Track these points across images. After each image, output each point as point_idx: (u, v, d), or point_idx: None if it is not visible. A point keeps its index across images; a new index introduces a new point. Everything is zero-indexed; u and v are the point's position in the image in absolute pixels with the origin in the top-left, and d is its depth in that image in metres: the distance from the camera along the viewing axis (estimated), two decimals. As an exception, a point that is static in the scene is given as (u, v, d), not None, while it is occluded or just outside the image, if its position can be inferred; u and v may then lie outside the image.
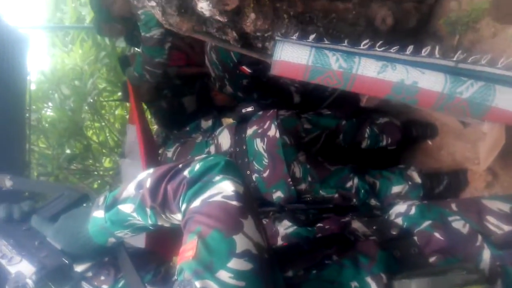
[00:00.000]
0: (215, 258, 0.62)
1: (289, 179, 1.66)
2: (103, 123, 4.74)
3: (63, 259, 0.81)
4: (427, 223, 0.84)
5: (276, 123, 1.75)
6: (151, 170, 0.80)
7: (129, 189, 0.80)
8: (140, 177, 0.80)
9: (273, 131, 1.74)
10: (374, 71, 1.60)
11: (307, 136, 1.89)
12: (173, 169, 0.76)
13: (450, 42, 1.92)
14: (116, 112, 4.95)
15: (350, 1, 1.81)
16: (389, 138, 2.06)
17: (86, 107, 4.26)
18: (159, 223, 0.78)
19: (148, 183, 0.77)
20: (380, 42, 1.60)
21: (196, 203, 0.69)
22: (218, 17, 1.47)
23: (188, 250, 0.64)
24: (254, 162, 1.74)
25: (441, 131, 2.05)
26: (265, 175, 1.70)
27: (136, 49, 3.37)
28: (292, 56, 1.63)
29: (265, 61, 1.73)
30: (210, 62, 2.24)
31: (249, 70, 2.15)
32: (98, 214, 0.82)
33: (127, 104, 3.56)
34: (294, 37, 1.62)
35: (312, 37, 1.61)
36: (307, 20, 1.65)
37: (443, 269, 0.74)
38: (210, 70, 2.32)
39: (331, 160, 1.89)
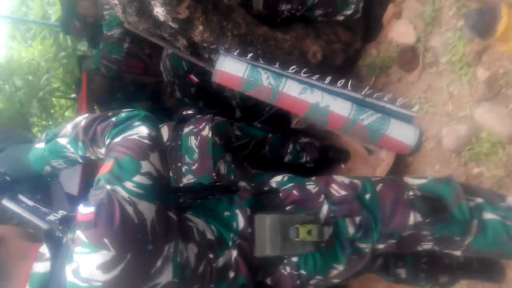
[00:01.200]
0: (124, 173, 0.83)
1: (214, 174, 1.89)
2: (50, 122, 4.74)
3: (6, 176, 1.00)
4: (290, 185, 1.11)
5: (210, 125, 1.99)
6: (86, 115, 1.01)
7: (67, 127, 1.00)
8: (77, 119, 1.00)
9: (207, 131, 1.98)
10: (296, 92, 1.91)
11: (237, 141, 2.14)
12: (103, 115, 0.98)
13: (368, 82, 2.29)
14: (66, 114, 4.97)
15: (289, 33, 2.13)
16: (308, 156, 2.36)
17: (37, 104, 4.29)
18: (87, 155, 0.98)
19: (82, 123, 0.98)
20: (305, 69, 1.92)
21: (117, 139, 0.91)
22: (171, 23, 1.72)
23: (105, 167, 0.85)
24: (186, 156, 1.96)
25: (352, 156, 2.38)
26: (194, 167, 1.92)
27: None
28: (231, 68, 1.91)
29: (210, 71, 1.99)
30: (164, 68, 2.47)
31: (196, 80, 2.41)
32: (39, 145, 1.02)
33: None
34: (235, 53, 1.91)
35: (250, 55, 1.91)
36: (248, 41, 1.94)
37: (292, 212, 1.01)
38: (164, 75, 2.55)
39: (255, 166, 2.16)
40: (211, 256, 0.91)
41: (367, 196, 1.09)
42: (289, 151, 2.34)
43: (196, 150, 1.94)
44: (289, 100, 1.92)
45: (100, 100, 3.22)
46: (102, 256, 0.74)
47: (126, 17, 1.73)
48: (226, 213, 0.99)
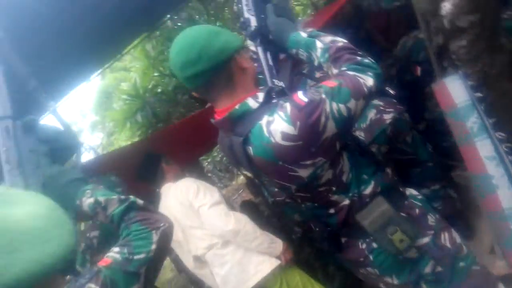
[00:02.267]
0: (339, 97, 1.06)
1: None
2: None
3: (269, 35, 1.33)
4: (419, 203, 1.27)
5: (395, 115, 2.14)
6: (345, 40, 1.22)
7: (327, 38, 1.18)
8: (338, 38, 1.18)
9: (389, 117, 2.14)
10: (485, 153, 1.90)
11: (402, 145, 2.26)
12: (356, 51, 1.17)
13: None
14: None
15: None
16: (441, 206, 2.38)
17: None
18: (324, 65, 1.20)
19: (340, 44, 1.18)
20: None
21: (351, 72, 1.10)
22: (444, 20, 1.82)
23: (330, 83, 1.09)
24: None
25: (473, 239, 2.33)
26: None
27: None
28: (454, 90, 1.96)
29: (436, 76, 2.06)
30: (403, 43, 2.58)
31: (419, 74, 2.51)
32: (303, 34, 1.21)
33: None
34: (468, 82, 1.94)
35: (477, 94, 1.92)
36: (485, 83, 1.94)
37: (403, 217, 1.17)
38: (397, 49, 2.66)
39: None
40: (333, 188, 1.15)
41: (462, 264, 1.19)
42: (432, 188, 2.37)
43: (367, 122, 2.12)
44: (472, 154, 1.94)
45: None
46: (288, 128, 1.02)
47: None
48: (365, 176, 1.19)
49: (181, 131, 3.30)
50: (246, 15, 1.31)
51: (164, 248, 1.14)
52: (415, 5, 1.91)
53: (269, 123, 1.05)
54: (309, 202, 1.21)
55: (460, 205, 2.42)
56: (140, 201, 1.18)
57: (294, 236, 3.13)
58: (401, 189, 1.27)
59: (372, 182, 1.18)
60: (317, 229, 1.27)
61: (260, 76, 1.28)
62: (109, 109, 9.21)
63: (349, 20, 3.34)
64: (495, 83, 1.93)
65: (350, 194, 1.16)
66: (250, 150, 1.11)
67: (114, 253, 1.05)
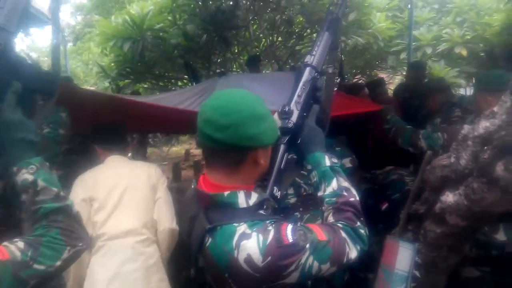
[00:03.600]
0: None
1: None
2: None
3: None
4: None
5: None
6: (357, 199, 1.19)
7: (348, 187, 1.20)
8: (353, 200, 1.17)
9: None
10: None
11: None
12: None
13: None
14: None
15: None
16: None
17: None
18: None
19: (355, 203, 1.17)
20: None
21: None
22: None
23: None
24: None
25: None
26: None
27: None
28: (401, 261, 2.02)
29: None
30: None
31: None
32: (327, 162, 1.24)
33: None
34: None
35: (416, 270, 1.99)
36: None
37: None
38: None
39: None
40: None
41: None
42: None
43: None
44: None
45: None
46: (256, 257, 0.93)
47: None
48: None
49: (158, 114, 3.11)
50: (292, 106, 1.25)
51: (65, 269, 1.06)
52: (426, 169, 1.93)
53: (242, 236, 0.97)
54: None
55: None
56: (75, 209, 1.08)
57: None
58: None
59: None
60: None
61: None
62: (106, 16, 8.70)
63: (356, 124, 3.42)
64: (433, 277, 2.01)
65: None
66: (208, 242, 1.03)
67: (15, 249, 0.94)
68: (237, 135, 1.01)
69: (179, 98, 3.40)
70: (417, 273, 2.00)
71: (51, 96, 1.32)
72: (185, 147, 11.79)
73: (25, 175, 1.02)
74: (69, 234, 1.02)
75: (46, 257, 0.96)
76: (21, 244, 0.96)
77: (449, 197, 1.78)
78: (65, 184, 2.55)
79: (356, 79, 8.76)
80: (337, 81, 5.11)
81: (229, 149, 1.04)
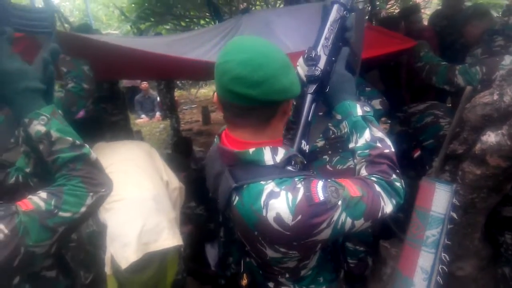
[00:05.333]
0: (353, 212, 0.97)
1: None
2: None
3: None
4: None
5: None
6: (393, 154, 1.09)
7: (380, 136, 1.09)
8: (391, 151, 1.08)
9: None
10: (423, 266, 1.95)
11: None
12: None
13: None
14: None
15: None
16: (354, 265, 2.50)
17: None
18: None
19: (389, 157, 1.08)
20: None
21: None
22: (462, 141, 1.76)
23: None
24: None
25: None
26: None
27: None
28: (438, 199, 1.95)
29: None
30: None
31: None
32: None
33: None
34: (455, 201, 1.94)
35: (454, 215, 1.94)
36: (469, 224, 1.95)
37: None
38: None
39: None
40: (287, 275, 1.10)
41: None
42: (356, 247, 2.47)
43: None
44: (412, 257, 1.99)
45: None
46: (286, 216, 0.89)
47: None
48: (321, 279, 1.16)
49: (182, 65, 2.98)
50: (319, 51, 1.12)
51: (91, 214, 1.06)
52: (466, 108, 1.80)
53: (271, 195, 0.92)
54: (256, 263, 1.15)
55: (368, 272, 2.53)
56: (93, 156, 1.05)
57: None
58: None
59: (324, 287, 1.14)
60: (248, 281, 1.23)
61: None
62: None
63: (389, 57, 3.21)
64: (471, 217, 1.95)
65: (297, 287, 1.11)
66: (236, 200, 0.99)
67: (39, 199, 0.94)
68: (272, 89, 0.93)
69: (201, 39, 3.23)
70: (454, 215, 1.94)
71: (49, 33, 1.26)
72: (213, 88, 11.71)
73: (37, 127, 0.99)
74: (90, 181, 1.01)
75: (70, 204, 0.97)
76: (43, 194, 0.96)
77: (490, 137, 1.67)
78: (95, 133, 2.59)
79: (389, 5, 8.17)
80: (368, 9, 4.76)
81: (263, 105, 0.96)
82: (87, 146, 1.06)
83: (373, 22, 4.22)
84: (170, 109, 5.70)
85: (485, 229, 2.13)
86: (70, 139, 1.02)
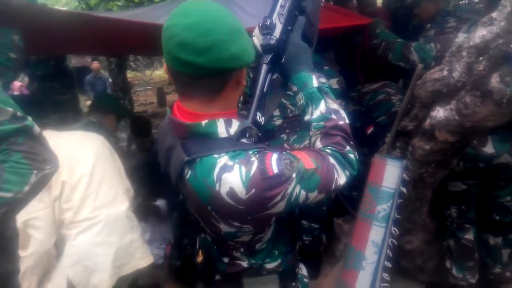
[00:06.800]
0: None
1: None
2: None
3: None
4: None
5: None
6: (347, 122, 1.07)
7: (335, 107, 1.07)
8: (343, 123, 1.06)
9: None
10: (370, 238, 2.00)
11: None
12: (343, 145, 1.06)
13: None
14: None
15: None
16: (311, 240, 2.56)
17: None
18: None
19: (343, 127, 1.07)
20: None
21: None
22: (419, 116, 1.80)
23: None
24: None
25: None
26: None
27: None
28: (389, 174, 2.00)
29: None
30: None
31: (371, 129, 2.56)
32: (314, 82, 1.08)
33: None
34: (405, 176, 2.00)
35: (404, 189, 1.99)
36: (418, 198, 2.02)
37: None
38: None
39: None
40: (242, 249, 1.07)
41: None
42: (311, 225, 2.50)
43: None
44: (362, 230, 2.04)
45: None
46: (239, 189, 0.85)
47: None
48: (276, 252, 1.14)
49: (134, 32, 2.78)
50: (275, 19, 1.08)
51: (36, 195, 0.98)
52: (417, 84, 1.84)
53: (224, 169, 0.89)
54: (210, 239, 1.11)
55: (322, 249, 2.58)
56: (36, 129, 0.97)
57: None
58: (296, 270, 1.24)
59: (279, 260, 1.13)
60: (203, 257, 1.19)
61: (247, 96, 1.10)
62: None
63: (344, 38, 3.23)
64: (420, 191, 2.01)
65: (253, 261, 1.09)
66: (188, 174, 0.95)
67: None
68: (220, 56, 0.87)
69: (156, 13, 3.09)
70: (404, 190, 2.00)
71: None
72: (168, 69, 11.43)
73: None
74: (33, 157, 0.93)
75: (12, 183, 0.89)
76: None
77: (439, 113, 1.71)
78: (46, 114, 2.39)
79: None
80: (323, -12, 4.77)
81: (212, 74, 0.90)
82: (29, 118, 0.96)
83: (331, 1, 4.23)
84: (123, 90, 5.49)
85: (432, 203, 2.22)
86: (11, 109, 0.92)
